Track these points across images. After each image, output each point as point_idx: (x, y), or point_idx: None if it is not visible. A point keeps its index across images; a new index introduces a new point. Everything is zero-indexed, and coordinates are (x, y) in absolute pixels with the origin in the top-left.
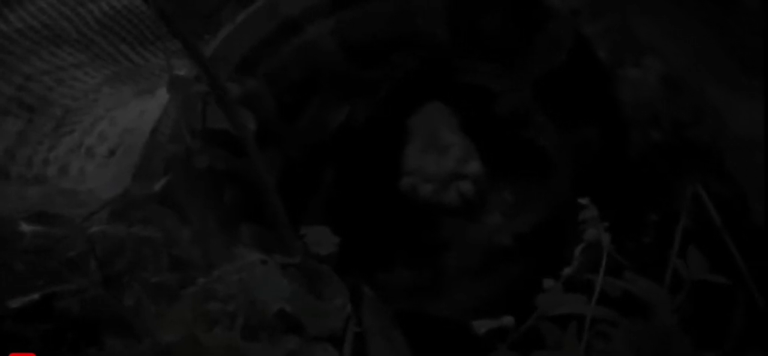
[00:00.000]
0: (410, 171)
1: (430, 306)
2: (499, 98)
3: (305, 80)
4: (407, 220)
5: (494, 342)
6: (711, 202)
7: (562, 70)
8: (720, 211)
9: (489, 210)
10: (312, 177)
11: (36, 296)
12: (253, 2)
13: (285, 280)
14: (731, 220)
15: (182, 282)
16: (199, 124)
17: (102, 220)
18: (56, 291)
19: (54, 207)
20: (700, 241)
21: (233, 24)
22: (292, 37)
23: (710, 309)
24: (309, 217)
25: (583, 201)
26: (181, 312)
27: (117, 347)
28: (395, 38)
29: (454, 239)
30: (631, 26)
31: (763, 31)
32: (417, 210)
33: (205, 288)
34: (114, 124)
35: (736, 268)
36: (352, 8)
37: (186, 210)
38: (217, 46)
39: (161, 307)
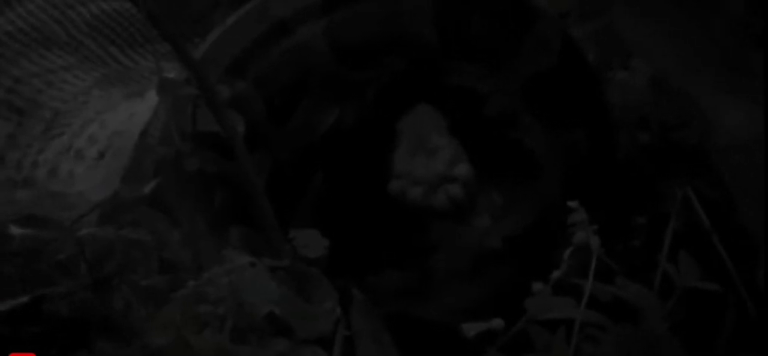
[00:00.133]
0: (399, 174)
1: (419, 309)
2: (487, 100)
3: (295, 82)
4: (396, 223)
5: (483, 346)
6: (699, 205)
7: (551, 72)
8: (708, 214)
9: (478, 212)
10: (301, 179)
11: (25, 299)
12: (243, 5)
13: (274, 283)
14: (720, 222)
15: (172, 285)
16: (188, 126)
17: (91, 223)
18: (46, 293)
19: (43, 210)
20: (689, 244)
21: (223, 26)
22: (282, 39)
23: (700, 312)
24: (298, 220)
25: (572, 204)
26: (170, 315)
27: (106, 349)
28: (384, 40)
29: (443, 242)
30: (618, 29)
31: (759, 39)
32: (406, 213)
33: (195, 291)
34: (103, 127)
35: (726, 271)
36: (341, 10)
37: (176, 212)
38: (207, 49)
39: (151, 310)
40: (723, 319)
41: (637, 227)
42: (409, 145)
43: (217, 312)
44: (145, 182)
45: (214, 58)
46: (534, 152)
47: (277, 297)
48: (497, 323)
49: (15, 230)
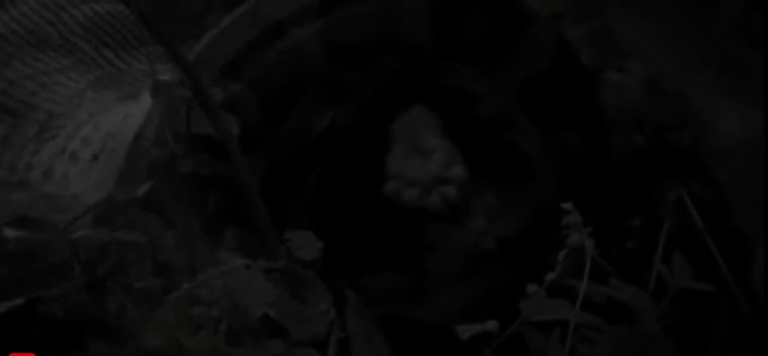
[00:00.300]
0: (394, 175)
1: (413, 310)
2: (482, 101)
3: (289, 84)
4: (391, 225)
5: (478, 347)
6: (694, 207)
7: (545, 73)
8: (703, 216)
9: (472, 214)
10: (296, 181)
11: (19, 301)
12: (237, 7)
13: (269, 285)
14: (714, 224)
15: (166, 287)
16: (182, 128)
17: (86, 225)
18: (40, 295)
19: (38, 212)
20: (684, 246)
21: (217, 28)
22: (277, 40)
23: (694, 314)
24: (293, 221)
25: (566, 205)
26: (165, 317)
27: (101, 351)
28: (379, 42)
29: (437, 243)
30: (614, 29)
31: (756, 40)
32: (400, 215)
33: (189, 293)
34: (97, 129)
35: (720, 273)
36: (336, 12)
37: (170, 214)
38: (201, 51)
39: (145, 312)
40: (717, 321)
41: (632, 229)
42: (404, 147)
43: (212, 314)
44: (139, 184)
45: (208, 59)
46: (528, 154)
47: (272, 299)
48: (492, 325)
49: (9, 232)
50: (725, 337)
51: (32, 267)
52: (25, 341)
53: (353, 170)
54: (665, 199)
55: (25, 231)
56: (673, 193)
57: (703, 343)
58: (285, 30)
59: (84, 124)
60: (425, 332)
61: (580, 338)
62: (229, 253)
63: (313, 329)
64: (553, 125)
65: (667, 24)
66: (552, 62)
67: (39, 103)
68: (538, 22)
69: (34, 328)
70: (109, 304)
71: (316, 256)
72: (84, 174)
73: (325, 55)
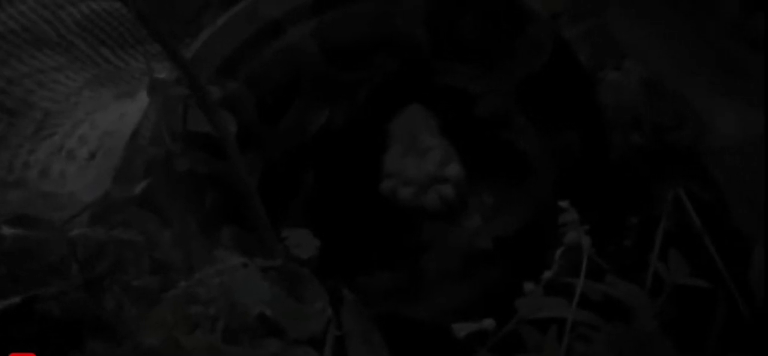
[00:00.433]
0: (390, 174)
1: (410, 309)
2: (479, 101)
3: (286, 83)
4: (387, 223)
5: (474, 346)
6: (691, 206)
7: (543, 73)
8: (700, 215)
9: (469, 213)
10: (293, 179)
11: (17, 299)
12: (233, 5)
13: (266, 283)
14: (711, 224)
15: (163, 285)
16: (179, 126)
17: (83, 223)
18: (37, 294)
19: (35, 210)
20: (681, 245)
21: (214, 27)
22: (273, 39)
23: (691, 312)
24: (290, 220)
25: (563, 204)
26: (162, 315)
27: (98, 350)
28: (376, 40)
29: (434, 242)
30: (612, 30)
31: (754, 41)
32: (397, 213)
33: (186, 292)
34: (94, 127)
35: (717, 271)
36: (332, 10)
37: (167, 213)
38: (198, 49)
39: (142, 310)
40: (714, 319)
41: (629, 228)
42: (401, 145)
43: (209, 313)
44: (135, 182)
45: (205, 58)
46: (526, 153)
47: (269, 298)
48: (488, 323)
49: (6, 230)
50: (722, 335)
51: (29, 265)
52: (22, 339)
53: (350, 169)
54: (663, 198)
55: (22, 230)
56: (670, 192)
57: (701, 341)
58: (282, 29)
59: (81, 122)
60: (422, 331)
61: (577, 336)
62: (226, 252)
63: (309, 327)
64: (551, 124)
65: (665, 24)
66: (550, 61)
67: (36, 101)
68: (536, 22)
69: (32, 327)
70: (107, 303)
71: (313, 255)
72: (81, 172)
73: (321, 54)
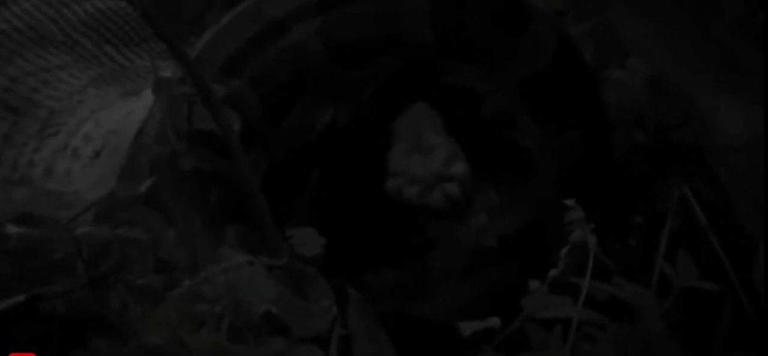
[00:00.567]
0: (395, 172)
1: (415, 307)
2: (483, 99)
3: (290, 81)
4: (393, 222)
5: (480, 344)
6: (697, 205)
7: (547, 71)
8: (705, 214)
9: (474, 211)
10: (298, 178)
11: (21, 298)
12: (238, 4)
13: (271, 282)
14: (717, 222)
15: (168, 284)
16: (184, 125)
17: (87, 222)
18: (42, 292)
19: (39, 208)
20: (686, 244)
21: (218, 26)
22: (278, 38)
23: (697, 312)
24: (295, 218)
25: (569, 202)
26: (166, 314)
27: (103, 348)
28: (380, 39)
29: (439, 240)
30: (616, 28)
31: (758, 39)
32: (402, 212)
33: (191, 290)
34: (99, 126)
35: (723, 271)
36: (337, 9)
37: (171, 211)
38: (202, 48)
39: (147, 309)
40: (720, 318)
41: (634, 226)
42: (406, 144)
43: (214, 311)
44: (140, 181)
45: (210, 57)
46: (530, 151)
47: (274, 296)
48: (494, 322)
49: (11, 229)
50: (728, 335)
51: (34, 264)
52: (26, 338)
53: (355, 167)
54: (668, 197)
55: (27, 228)
56: (676, 191)
57: (707, 341)
58: (286, 28)
59: (86, 120)
60: (427, 329)
61: (583, 335)
62: (231, 250)
63: (315, 326)
64: (555, 123)
65: (669, 22)
66: (554, 60)
67: (41, 99)
68: (540, 20)
69: (36, 325)
70: (111, 301)
71: (318, 253)
72: (86, 171)
73: (326, 52)
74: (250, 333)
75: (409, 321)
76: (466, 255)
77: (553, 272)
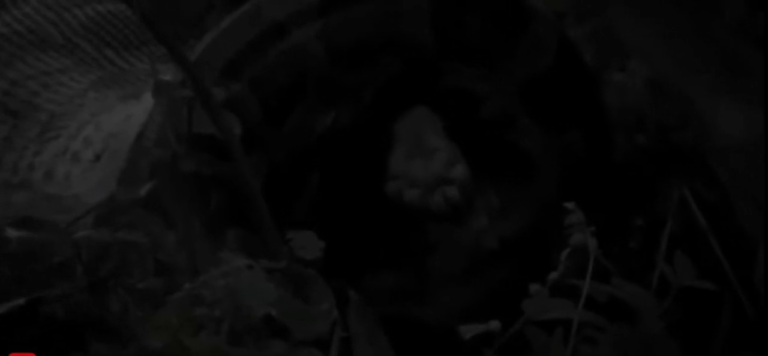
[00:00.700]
0: (396, 175)
1: (416, 310)
2: (484, 101)
3: (291, 84)
4: (393, 225)
5: (480, 347)
6: (697, 206)
7: (547, 73)
8: (706, 215)
9: (475, 214)
10: (298, 181)
11: (21, 301)
12: (238, 7)
13: (271, 285)
14: (717, 224)
15: (168, 288)
16: (184, 128)
17: (87, 225)
18: (42, 296)
19: (39, 212)
20: (687, 245)
21: (218, 29)
22: (278, 41)
23: (697, 313)
24: (295, 222)
25: (569, 205)
26: (166, 318)
27: (102, 352)
28: (380, 42)
29: (439, 243)
30: (616, 29)
31: (758, 40)
32: (403, 215)
33: (191, 294)
34: (99, 129)
35: (723, 272)
36: (337, 12)
37: (171, 214)
38: (203, 51)
39: (147, 312)
40: (720, 320)
41: (635, 228)
42: (406, 147)
43: (214, 315)
44: (140, 184)
45: (210, 60)
46: (531, 153)
47: (274, 299)
48: (494, 324)
49: (11, 232)
50: (728, 336)
51: (34, 267)
52: (26, 341)
53: (355, 170)
54: (668, 199)
55: (27, 232)
56: (676, 193)
57: (707, 342)
58: (286, 30)
59: (86, 124)
60: (427, 332)
61: (583, 338)
62: (231, 253)
63: (315, 329)
64: (555, 125)
65: (669, 23)
66: (554, 62)
67: (41, 103)
68: (540, 22)
69: (36, 329)
70: (111, 305)
71: (318, 256)
72: (86, 174)
73: (326, 55)
74: (250, 336)
75: (409, 324)
76: (466, 257)
77: (553, 275)
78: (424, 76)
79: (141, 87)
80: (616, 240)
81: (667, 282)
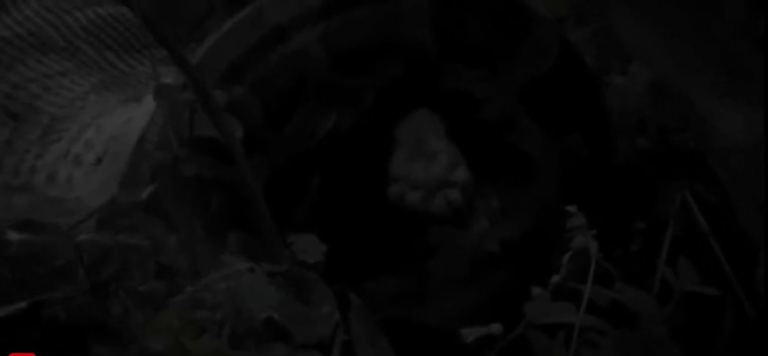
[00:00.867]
0: (397, 178)
1: (417, 313)
2: (485, 104)
3: (292, 88)
4: (394, 228)
5: (482, 351)
6: (698, 209)
7: (548, 76)
8: (707, 217)
9: (476, 217)
10: (299, 184)
11: (23, 304)
12: (239, 10)
13: (272, 288)
14: (718, 226)
15: (169, 290)
16: (186, 131)
17: (89, 228)
18: (43, 299)
19: (41, 215)
20: (688, 248)
21: (220, 32)
22: (279, 44)
23: (699, 316)
24: (296, 225)
25: (571, 208)
26: (168, 320)
27: (104, 355)
28: (381, 45)
29: (441, 246)
30: (616, 30)
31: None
32: (404, 218)
33: (193, 297)
34: (101, 132)
35: (724, 275)
36: (339, 15)
37: (173, 217)
38: (204, 54)
39: (148, 315)
40: (722, 323)
41: (636, 231)
42: (408, 150)
43: (215, 318)
44: (142, 187)
45: (211, 63)
46: (532, 156)
47: (276, 302)
48: (496, 328)
49: (13, 235)
50: (730, 340)
51: (35, 270)
52: (27, 344)
53: (356, 173)
54: (669, 202)
55: (29, 235)
56: (677, 195)
57: (709, 346)
58: (287, 34)
59: (87, 127)
60: (429, 335)
61: (585, 341)
62: (233, 256)
63: (317, 332)
64: (556, 127)
65: (669, 23)
66: (555, 64)
67: (42, 106)
68: (542, 24)
69: (37, 332)
70: (113, 308)
71: (319, 259)
72: (87, 177)
73: (327, 58)
74: (252, 339)
75: (411, 328)
76: (467, 261)
77: (555, 278)
78: (425, 78)
79: (142, 90)
80: (618, 243)
81: (668, 285)
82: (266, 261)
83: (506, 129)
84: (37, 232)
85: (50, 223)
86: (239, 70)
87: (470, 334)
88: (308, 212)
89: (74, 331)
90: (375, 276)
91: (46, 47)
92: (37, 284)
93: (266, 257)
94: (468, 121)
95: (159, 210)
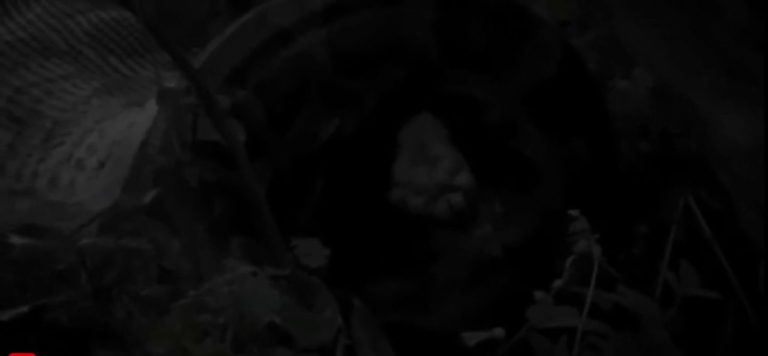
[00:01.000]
0: (400, 182)
1: (419, 317)
2: (488, 109)
3: (295, 91)
4: (397, 232)
5: (484, 355)
6: (701, 213)
7: (551, 80)
8: (709, 222)
9: (479, 221)
10: (302, 188)
11: (25, 308)
12: (242, 14)
13: (275, 292)
14: (721, 230)
15: (172, 295)
16: (188, 135)
17: (92, 233)
18: (46, 303)
19: (43, 219)
20: (690, 252)
21: (223, 35)
22: (282, 48)
23: (701, 320)
24: (299, 229)
25: (574, 212)
26: (170, 325)
27: None
28: (384, 49)
29: (443, 250)
30: (618, 34)
31: (759, 44)
32: (407, 222)
33: (195, 301)
34: (103, 136)
35: (727, 279)
36: (342, 19)
37: (176, 222)
38: (207, 58)
39: (151, 319)
40: (724, 327)
41: (639, 235)
42: (411, 154)
43: (218, 322)
44: (145, 191)
45: (214, 67)
46: (534, 161)
47: (279, 307)
48: (498, 332)
49: (15, 239)
50: (732, 343)
51: (38, 274)
52: (29, 348)
53: (359, 177)
54: (672, 206)
55: (31, 239)
56: (680, 200)
57: (710, 350)
58: (290, 37)
59: (90, 131)
60: (431, 339)
61: (587, 345)
62: (236, 260)
63: (319, 336)
64: (559, 132)
65: (672, 27)
66: (558, 69)
67: (44, 110)
68: (544, 29)
69: (40, 335)
70: (115, 312)
71: (322, 264)
72: (90, 181)
73: (330, 62)
74: (255, 343)
75: (413, 332)
76: (470, 265)
77: (557, 282)
78: (428, 82)
79: (145, 94)
80: (620, 247)
81: (671, 289)
82: (269, 265)
83: (509, 133)
84: (39, 236)
85: (52, 227)
86: (242, 73)
87: (473, 338)
88: (311, 216)
89: (76, 335)
90: (378, 280)
91: (48, 51)
92: (39, 288)
93: (269, 261)
94: (471, 125)
95: (162, 214)
